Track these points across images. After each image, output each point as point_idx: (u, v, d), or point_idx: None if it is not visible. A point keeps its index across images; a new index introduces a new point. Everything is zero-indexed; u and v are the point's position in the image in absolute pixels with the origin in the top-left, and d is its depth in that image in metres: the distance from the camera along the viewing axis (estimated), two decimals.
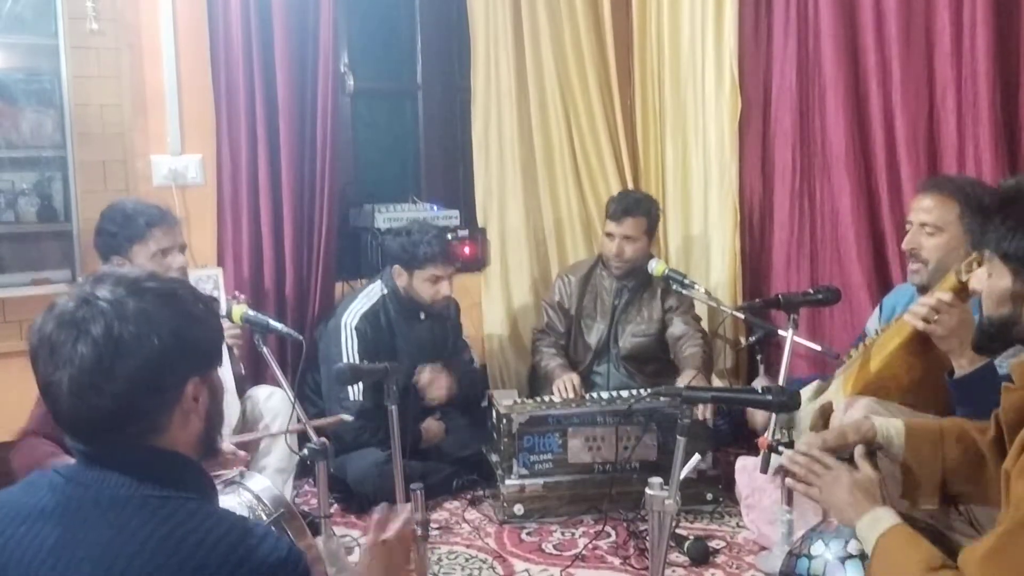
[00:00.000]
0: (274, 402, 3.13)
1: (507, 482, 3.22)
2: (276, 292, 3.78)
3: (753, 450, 2.97)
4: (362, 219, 4.05)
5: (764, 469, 2.64)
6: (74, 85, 3.34)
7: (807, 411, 2.57)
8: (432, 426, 3.56)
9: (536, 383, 4.03)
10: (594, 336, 3.81)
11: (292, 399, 2.51)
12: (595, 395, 3.51)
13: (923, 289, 2.58)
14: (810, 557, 1.96)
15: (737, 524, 3.13)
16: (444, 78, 4.48)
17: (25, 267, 3.36)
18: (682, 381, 3.44)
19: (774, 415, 2.60)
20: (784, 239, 3.87)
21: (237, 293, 3.16)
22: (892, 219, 3.42)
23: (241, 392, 3.13)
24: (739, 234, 4.03)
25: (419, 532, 2.31)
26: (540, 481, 3.22)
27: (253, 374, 3.43)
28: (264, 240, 3.74)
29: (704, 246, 4.23)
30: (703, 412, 3.22)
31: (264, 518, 1.97)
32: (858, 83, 3.50)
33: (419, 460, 3.37)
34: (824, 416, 2.44)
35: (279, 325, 2.68)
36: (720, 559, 2.89)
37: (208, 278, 3.27)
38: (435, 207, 4.18)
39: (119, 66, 3.47)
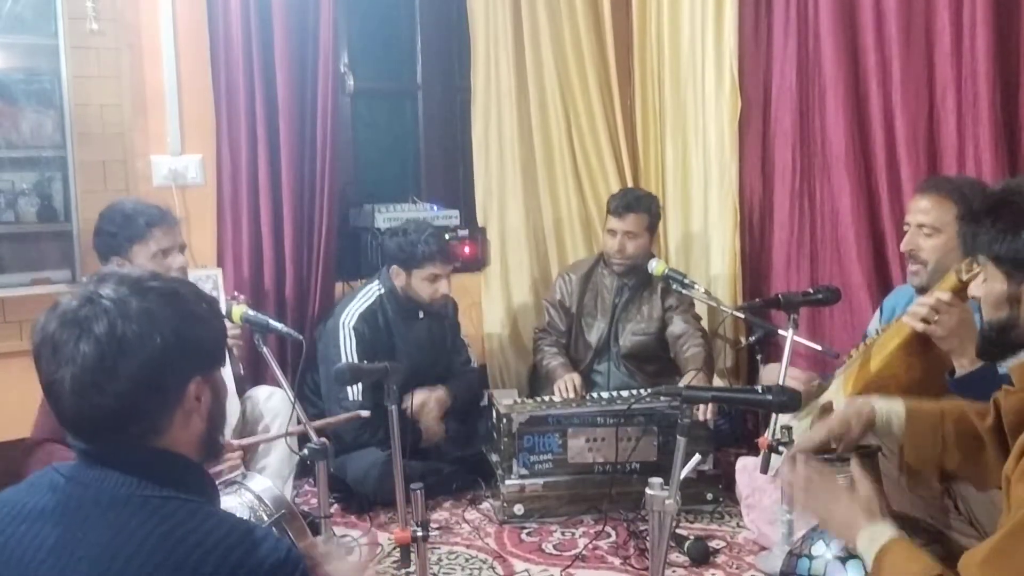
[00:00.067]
0: (274, 402, 3.13)
1: (507, 482, 3.22)
2: (276, 292, 3.77)
3: (753, 450, 2.98)
4: (362, 219, 4.05)
5: (764, 469, 2.64)
6: (74, 85, 3.34)
7: (807, 412, 2.58)
8: (432, 426, 3.56)
9: (536, 383, 4.04)
10: (594, 334, 3.81)
11: (292, 399, 2.51)
12: (595, 395, 3.52)
13: (923, 290, 2.58)
14: (811, 557, 1.96)
15: (737, 524, 3.13)
16: (444, 78, 4.48)
17: (25, 267, 3.36)
18: (684, 382, 3.44)
19: (774, 415, 2.59)
20: (784, 239, 3.87)
21: (236, 293, 3.16)
22: (892, 219, 3.42)
23: (241, 392, 3.13)
24: (739, 234, 4.03)
25: (419, 533, 2.30)
26: (540, 481, 3.22)
27: (253, 374, 3.43)
28: (264, 240, 3.74)
29: (704, 246, 4.23)
30: (704, 413, 3.22)
31: (265, 519, 1.97)
32: (858, 83, 3.50)
33: (419, 460, 3.37)
34: (824, 416, 2.45)
35: (279, 325, 2.68)
36: (720, 559, 2.90)
37: (207, 278, 3.27)
38: (435, 207, 4.18)
39: (119, 66, 3.47)
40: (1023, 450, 1.52)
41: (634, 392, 3.50)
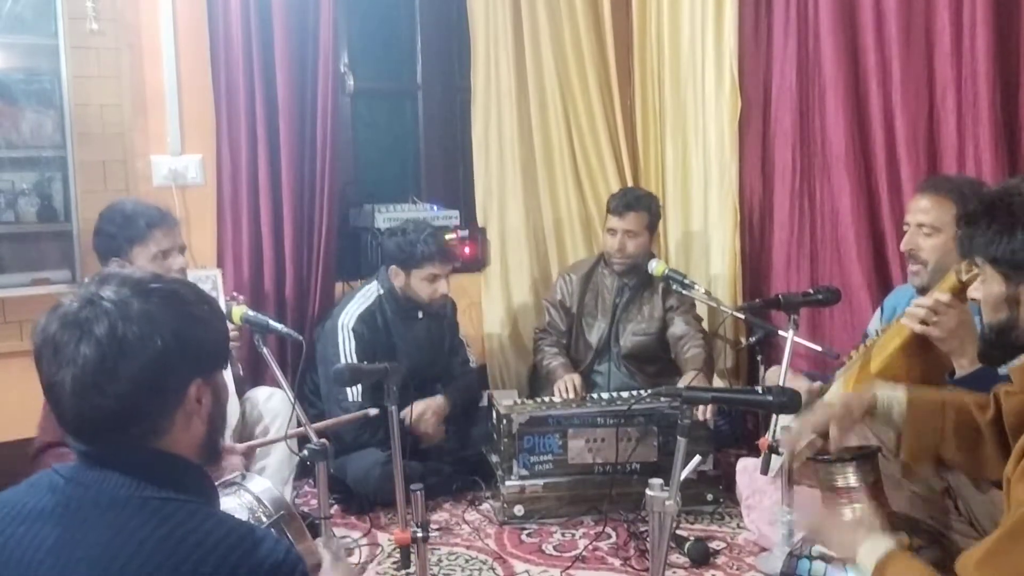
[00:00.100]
0: (274, 403, 3.13)
1: (507, 483, 3.22)
2: (276, 292, 3.77)
3: (754, 451, 2.98)
4: (362, 219, 4.05)
5: (765, 470, 2.64)
6: (74, 85, 3.34)
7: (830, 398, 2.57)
8: (431, 433, 3.55)
9: (536, 383, 4.04)
10: (595, 335, 3.81)
11: (292, 400, 2.51)
12: (595, 396, 3.52)
13: (924, 291, 2.58)
14: (810, 558, 1.97)
15: (737, 525, 3.13)
16: (444, 78, 4.48)
17: (25, 267, 3.36)
18: (684, 382, 3.44)
19: (775, 415, 2.59)
20: (784, 239, 3.87)
21: (235, 293, 3.15)
22: (892, 219, 3.42)
23: (240, 393, 3.12)
24: (739, 234, 4.03)
25: (419, 533, 2.30)
26: (540, 482, 3.22)
27: (252, 375, 3.43)
28: (264, 240, 3.74)
29: (704, 246, 4.23)
30: (704, 413, 3.22)
31: (264, 520, 1.97)
32: (858, 83, 3.50)
33: (419, 461, 3.37)
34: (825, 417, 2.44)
35: (279, 325, 2.68)
36: (720, 560, 2.89)
37: (206, 278, 3.27)
38: (435, 207, 4.18)
39: (119, 66, 3.47)
40: (1023, 451, 1.52)
41: (634, 393, 3.49)
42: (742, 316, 3.38)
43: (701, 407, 3.16)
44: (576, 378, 3.63)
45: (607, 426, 3.24)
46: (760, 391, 2.13)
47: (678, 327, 3.74)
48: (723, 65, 4.01)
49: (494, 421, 3.36)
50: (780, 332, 3.05)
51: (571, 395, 3.54)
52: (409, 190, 4.41)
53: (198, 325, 1.24)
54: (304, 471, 3.30)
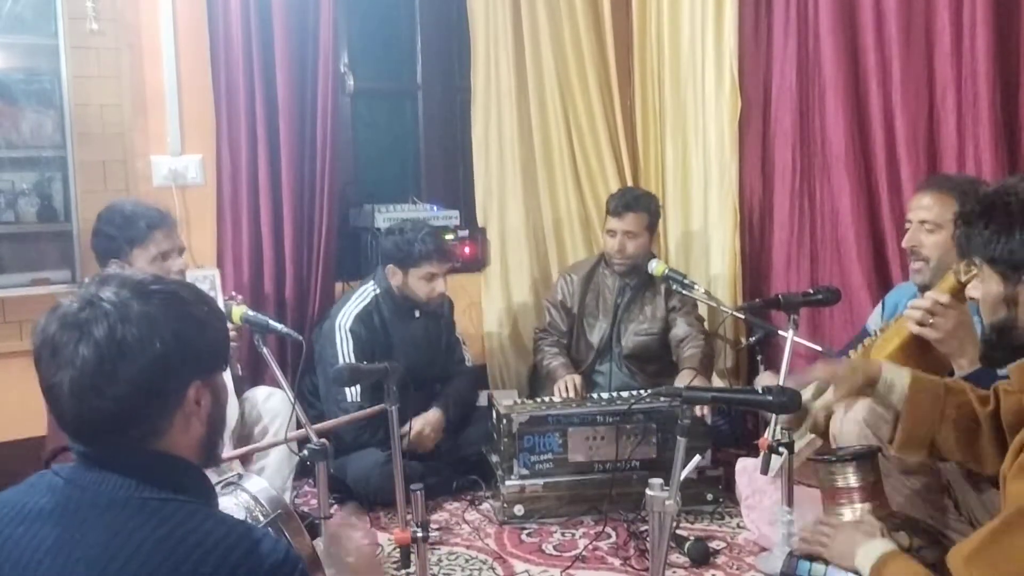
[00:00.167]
0: (273, 403, 3.13)
1: (507, 482, 3.22)
2: (276, 292, 3.78)
3: (753, 451, 2.98)
4: (362, 219, 4.05)
5: (764, 470, 2.64)
6: (74, 85, 3.34)
7: (816, 407, 2.57)
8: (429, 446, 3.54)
9: (537, 383, 4.04)
10: (596, 335, 3.81)
11: (292, 400, 2.51)
12: (595, 395, 3.52)
13: (925, 288, 2.58)
14: (811, 558, 1.97)
15: (737, 525, 3.13)
16: (444, 78, 4.48)
17: (25, 267, 3.36)
18: (680, 382, 3.44)
19: (774, 415, 2.59)
20: (784, 239, 3.87)
21: (234, 293, 3.15)
22: (892, 219, 3.42)
23: (239, 393, 3.12)
24: (739, 234, 4.03)
25: (419, 533, 2.30)
26: (540, 481, 3.22)
27: (251, 375, 3.43)
28: (264, 240, 3.74)
29: (704, 246, 4.23)
30: (701, 409, 3.23)
31: (261, 519, 1.97)
32: (858, 83, 3.50)
33: (419, 460, 3.37)
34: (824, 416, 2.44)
35: (279, 325, 2.67)
36: (720, 560, 2.89)
37: (205, 278, 3.27)
38: (435, 207, 4.18)
39: (119, 66, 3.47)
40: (1019, 449, 1.52)
41: (634, 393, 3.50)
42: (742, 316, 3.38)
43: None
44: (576, 378, 3.63)
45: (607, 424, 3.24)
46: (760, 391, 2.13)
47: (680, 328, 3.74)
48: (723, 65, 4.01)
49: (494, 421, 3.36)
50: (780, 332, 3.05)
51: (571, 395, 3.54)
52: (409, 190, 4.41)
53: (198, 327, 1.24)
54: (304, 471, 3.30)
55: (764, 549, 2.90)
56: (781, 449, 2.56)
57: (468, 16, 4.22)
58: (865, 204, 3.51)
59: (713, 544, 2.97)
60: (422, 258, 3.44)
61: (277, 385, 2.88)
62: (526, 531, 3.16)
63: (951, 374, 2.20)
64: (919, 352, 2.37)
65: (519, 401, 3.45)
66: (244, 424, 3.13)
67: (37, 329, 1.21)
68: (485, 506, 3.38)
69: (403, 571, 2.71)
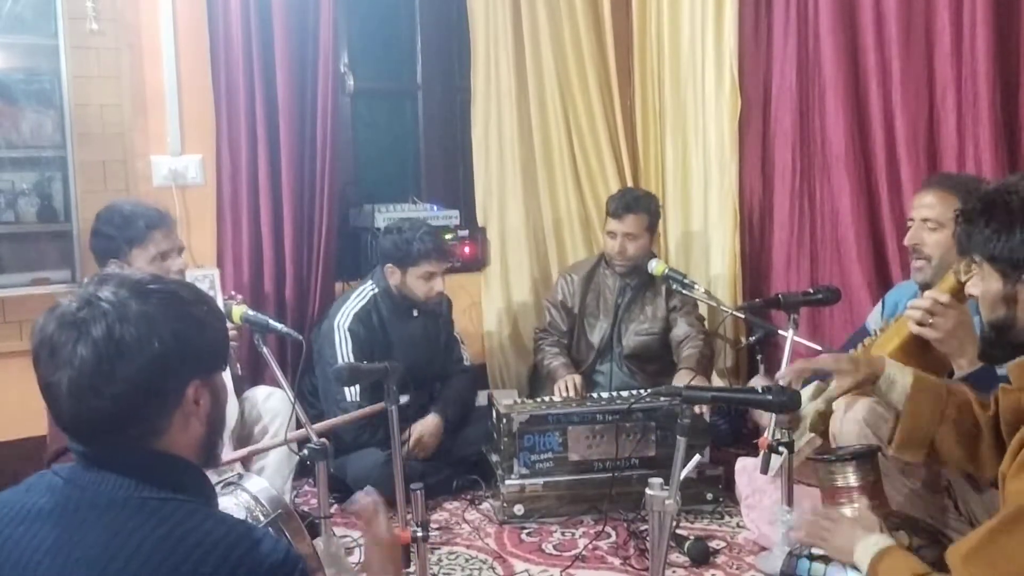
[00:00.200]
0: (273, 402, 3.13)
1: (507, 482, 3.22)
2: (276, 292, 3.78)
3: (753, 451, 2.97)
4: (362, 219, 4.05)
5: (764, 470, 2.64)
6: (74, 85, 3.34)
7: (807, 411, 2.57)
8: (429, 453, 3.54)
9: (536, 383, 4.04)
10: (597, 335, 3.81)
11: (292, 399, 2.50)
12: (595, 395, 3.52)
13: (927, 287, 2.58)
14: (811, 558, 1.97)
15: (737, 524, 3.13)
16: (444, 78, 4.48)
17: (25, 267, 3.36)
18: (677, 382, 3.44)
19: (774, 415, 2.59)
20: (784, 239, 3.87)
21: (233, 293, 3.15)
22: (892, 219, 3.42)
23: (239, 392, 3.12)
24: (739, 234, 4.03)
25: (419, 533, 2.30)
26: (540, 481, 3.22)
27: (251, 374, 3.43)
28: (264, 240, 3.74)
29: (704, 246, 4.23)
30: (700, 407, 3.23)
31: (262, 519, 1.97)
32: (858, 83, 3.50)
33: (419, 460, 3.37)
34: (824, 417, 2.44)
35: (279, 325, 2.67)
36: (720, 559, 2.89)
37: (204, 278, 3.27)
38: (435, 207, 4.18)
39: (119, 66, 3.47)
40: (1018, 448, 1.52)
41: (634, 392, 3.50)
42: (742, 316, 3.38)
43: None
44: (577, 378, 3.63)
45: (607, 423, 3.25)
46: (760, 390, 2.13)
47: (681, 329, 3.74)
48: (723, 65, 4.01)
49: (494, 420, 3.36)
50: (780, 332, 3.05)
51: (571, 395, 3.54)
52: (409, 190, 4.41)
53: (197, 326, 1.24)
54: (304, 471, 3.30)
55: (764, 549, 2.90)
56: (781, 449, 2.56)
57: (468, 16, 4.22)
58: (865, 204, 3.51)
59: (713, 544, 2.97)
60: (420, 257, 3.44)
61: (277, 385, 2.88)
62: (526, 531, 3.16)
63: (951, 374, 2.20)
64: (919, 352, 2.37)
65: (519, 401, 3.45)
66: (244, 424, 3.12)
67: (36, 329, 1.21)
68: (485, 506, 3.38)
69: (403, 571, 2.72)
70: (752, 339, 3.28)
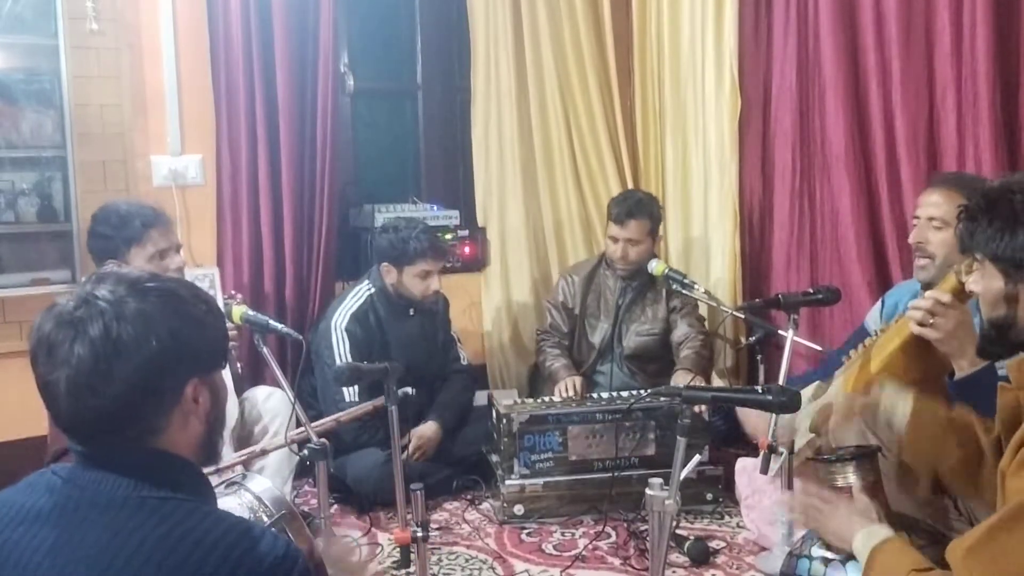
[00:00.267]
0: (273, 402, 3.13)
1: (507, 482, 3.22)
2: (276, 292, 3.78)
3: (753, 451, 2.98)
4: (362, 219, 4.05)
5: (764, 470, 2.64)
6: (74, 85, 3.34)
7: (807, 412, 2.57)
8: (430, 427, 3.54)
9: (536, 383, 4.03)
10: (598, 336, 3.81)
11: (292, 399, 2.50)
12: (595, 395, 3.52)
13: (930, 285, 2.57)
14: (810, 558, 1.96)
15: (737, 524, 3.13)
16: (444, 78, 4.48)
17: (25, 267, 3.36)
18: (675, 383, 3.44)
19: (774, 416, 2.59)
20: (784, 239, 3.87)
21: (233, 292, 3.15)
22: (892, 219, 3.42)
23: (239, 392, 3.12)
24: (739, 234, 4.03)
25: (419, 533, 2.30)
26: (540, 481, 3.22)
27: (252, 375, 3.43)
28: (264, 240, 3.74)
29: (704, 246, 4.23)
30: (700, 407, 3.23)
31: (265, 519, 1.97)
32: (858, 83, 3.50)
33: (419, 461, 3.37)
34: (824, 417, 2.44)
35: (279, 325, 2.67)
36: (720, 559, 2.89)
37: (204, 277, 3.27)
38: (435, 207, 4.18)
39: (119, 66, 3.47)
40: (1018, 446, 1.52)
41: (634, 392, 3.50)
42: (742, 316, 3.38)
43: None
44: (578, 380, 3.63)
45: (606, 423, 3.25)
46: (760, 390, 2.13)
47: (681, 330, 3.74)
48: (723, 65, 4.01)
49: (494, 421, 3.36)
50: (780, 332, 3.05)
51: (572, 396, 3.54)
52: (409, 190, 4.41)
53: (195, 325, 1.24)
54: (304, 471, 3.30)
55: (764, 549, 2.90)
56: (781, 449, 2.56)
57: (468, 16, 4.22)
58: (865, 204, 3.51)
59: (713, 544, 2.97)
60: (417, 256, 3.44)
61: (277, 385, 2.88)
62: (526, 531, 3.16)
63: (952, 375, 2.20)
64: (920, 352, 2.36)
65: (519, 401, 3.46)
66: (244, 424, 3.13)
67: (33, 328, 1.21)
68: (485, 506, 3.38)
69: (403, 571, 2.72)
70: (752, 339, 3.27)
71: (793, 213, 3.83)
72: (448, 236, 4.11)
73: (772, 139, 3.92)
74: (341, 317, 3.45)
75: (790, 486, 2.61)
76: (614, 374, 3.79)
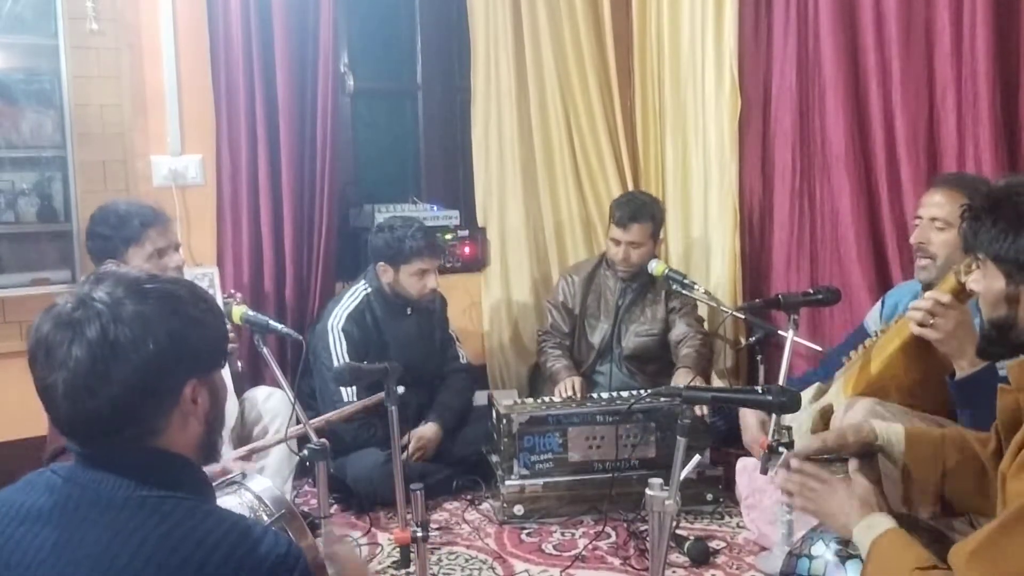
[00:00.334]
0: (273, 403, 3.13)
1: (507, 482, 3.22)
2: (276, 292, 3.78)
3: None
4: (362, 219, 4.05)
5: (764, 470, 2.64)
6: (74, 85, 3.34)
7: (807, 413, 2.58)
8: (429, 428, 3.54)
9: (537, 383, 4.03)
10: (598, 336, 3.81)
11: (292, 399, 2.50)
12: (595, 396, 3.52)
13: (931, 285, 2.57)
14: (811, 557, 1.96)
15: (737, 524, 3.13)
16: (444, 78, 4.48)
17: (25, 267, 3.36)
18: (675, 382, 3.44)
19: (774, 415, 2.59)
20: (784, 239, 3.87)
21: (233, 292, 3.15)
22: (892, 219, 3.41)
23: (239, 392, 3.12)
24: (739, 234, 4.03)
25: (419, 533, 2.30)
26: (540, 481, 3.22)
27: (251, 375, 3.43)
28: (264, 240, 3.74)
29: (704, 246, 4.23)
30: (700, 408, 3.22)
31: (266, 519, 1.97)
32: (858, 83, 3.50)
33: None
34: (824, 418, 2.44)
35: (279, 325, 2.67)
36: (720, 559, 2.89)
37: (203, 276, 3.27)
38: (435, 207, 4.18)
39: (119, 66, 3.47)
40: (1018, 448, 1.51)
41: (634, 393, 3.50)
42: (742, 316, 3.38)
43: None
44: (578, 381, 3.63)
45: (606, 424, 3.25)
46: (760, 391, 2.13)
47: (679, 329, 3.73)
48: (723, 65, 4.01)
49: (494, 421, 3.36)
50: (780, 332, 3.05)
51: (572, 396, 3.54)
52: (409, 190, 4.41)
53: (194, 325, 1.23)
54: (304, 471, 3.30)
55: (764, 549, 2.90)
56: (781, 449, 2.56)
57: (468, 16, 4.22)
58: (865, 204, 3.51)
59: (713, 544, 2.97)
60: (413, 254, 3.44)
61: (277, 385, 2.88)
62: (526, 531, 3.16)
63: (952, 375, 2.20)
64: (920, 353, 2.37)
65: (519, 401, 3.45)
66: (244, 424, 3.13)
67: (32, 329, 1.21)
68: (485, 506, 3.38)
69: (403, 571, 2.72)
70: (752, 339, 3.28)
71: (793, 213, 3.83)
72: (448, 236, 4.11)
73: (772, 139, 3.92)
74: (337, 318, 3.45)
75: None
76: (613, 374, 3.79)
